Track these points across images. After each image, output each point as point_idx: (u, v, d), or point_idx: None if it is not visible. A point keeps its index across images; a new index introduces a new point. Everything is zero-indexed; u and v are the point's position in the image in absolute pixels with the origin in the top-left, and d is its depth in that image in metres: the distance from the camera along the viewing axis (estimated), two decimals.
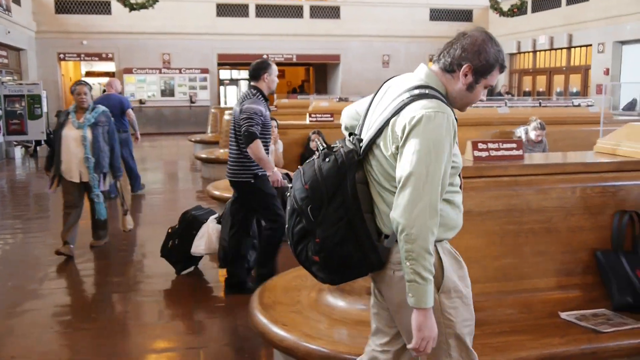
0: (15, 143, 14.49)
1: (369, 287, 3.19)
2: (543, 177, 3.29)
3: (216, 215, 5.26)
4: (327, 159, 2.08)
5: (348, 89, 21.10)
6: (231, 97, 29.46)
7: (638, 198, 3.41)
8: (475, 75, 2.05)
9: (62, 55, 20.49)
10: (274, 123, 6.79)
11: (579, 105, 8.51)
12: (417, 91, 2.02)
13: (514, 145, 3.44)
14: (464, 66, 2.03)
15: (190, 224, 5.14)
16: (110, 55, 20.89)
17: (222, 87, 29.99)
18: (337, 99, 12.77)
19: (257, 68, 4.58)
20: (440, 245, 2.08)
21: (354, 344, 2.84)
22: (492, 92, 21.50)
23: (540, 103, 8.16)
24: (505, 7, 18.27)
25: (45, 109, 17.14)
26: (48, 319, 4.30)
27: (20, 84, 14.77)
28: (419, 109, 1.95)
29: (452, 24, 22.80)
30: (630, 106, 15.27)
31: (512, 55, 22.00)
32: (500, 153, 3.41)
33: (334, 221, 2.03)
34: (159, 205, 8.96)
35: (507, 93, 19.31)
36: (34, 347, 3.80)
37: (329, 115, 7.51)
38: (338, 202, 2.03)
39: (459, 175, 2.18)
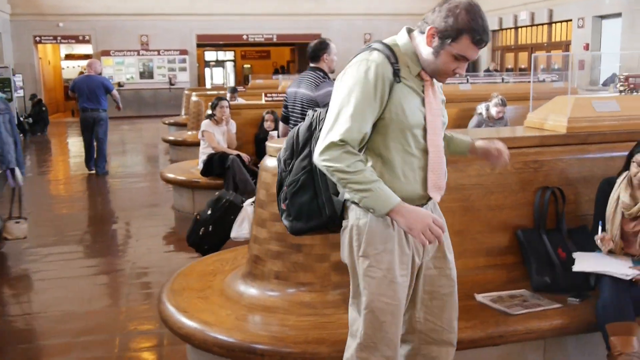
0: None
1: (278, 272, 3.10)
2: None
3: (252, 199, 5.07)
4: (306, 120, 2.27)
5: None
6: (217, 78, 29.21)
7: (561, 174, 3.29)
8: (441, 39, 2.00)
9: (38, 38, 20.15)
10: (224, 103, 6.64)
11: (543, 81, 8.36)
12: (365, 47, 2.11)
13: None
14: (429, 27, 2.02)
15: (227, 209, 4.89)
16: (87, 38, 20.56)
17: (207, 69, 29.75)
18: None
19: (316, 49, 4.47)
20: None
21: (252, 331, 2.73)
22: (474, 68, 21.35)
23: (503, 79, 8.02)
24: None
25: (21, 93, 17.00)
26: None
27: None
28: (352, 60, 2.07)
29: (435, 1, 22.51)
30: (610, 81, 15.10)
31: (494, 32, 21.73)
32: None
33: (298, 170, 2.19)
34: (120, 189, 8.82)
35: (496, 70, 19.11)
36: None
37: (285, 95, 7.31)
38: (305, 154, 2.19)
39: (422, 138, 2.09)
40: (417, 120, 2.07)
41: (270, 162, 3.16)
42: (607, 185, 3.07)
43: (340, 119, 2.00)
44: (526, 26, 19.77)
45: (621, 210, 2.97)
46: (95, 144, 9.41)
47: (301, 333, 2.65)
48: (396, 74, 2.02)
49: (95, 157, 9.48)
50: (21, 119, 15.02)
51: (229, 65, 30.55)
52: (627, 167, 2.99)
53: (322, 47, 4.47)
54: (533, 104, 7.28)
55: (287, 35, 22.06)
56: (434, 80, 2.13)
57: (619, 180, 3.02)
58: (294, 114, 4.57)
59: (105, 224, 6.70)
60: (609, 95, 4.56)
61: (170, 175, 6.85)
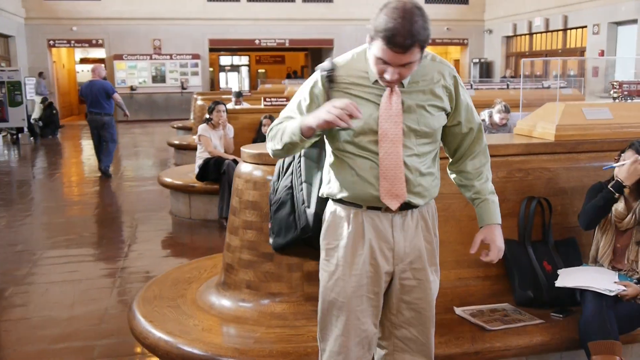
0: (3, 133, 14.40)
1: (249, 281, 3.00)
2: (441, 161, 3.02)
3: None
4: None
5: None
6: (232, 83, 29.27)
7: (548, 184, 3.16)
8: (370, 40, 1.93)
9: (52, 42, 20.31)
10: (221, 107, 6.57)
11: (548, 87, 8.20)
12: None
13: None
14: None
15: None
16: (100, 42, 20.68)
17: (222, 73, 29.82)
18: None
19: None
20: (330, 201, 2.14)
21: (216, 343, 2.63)
22: (488, 74, 21.15)
23: (507, 85, 7.85)
24: None
25: (34, 96, 17.12)
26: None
27: (2, 70, 14.63)
28: None
29: (449, 6, 22.39)
30: None
31: (508, 38, 21.56)
32: None
33: (281, 189, 2.34)
34: (122, 192, 8.79)
35: (512, 77, 18.89)
36: None
37: (285, 100, 7.26)
38: (288, 173, 2.34)
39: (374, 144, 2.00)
40: (366, 127, 1.99)
41: (244, 168, 3.07)
42: (599, 189, 2.92)
43: (279, 117, 2.18)
44: (540, 32, 19.56)
45: (614, 222, 2.84)
46: (104, 147, 9.65)
47: (266, 346, 2.55)
48: (331, 81, 2.03)
49: (103, 156, 9.67)
50: (32, 121, 15.09)
51: (244, 70, 30.65)
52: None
53: None
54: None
55: (300, 40, 22.01)
56: (408, 86, 2.00)
57: None
58: None
59: (101, 228, 6.65)
60: (601, 102, 4.41)
61: (167, 180, 6.79)
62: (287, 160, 2.36)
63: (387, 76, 1.90)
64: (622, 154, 2.83)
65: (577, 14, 17.30)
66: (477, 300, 2.99)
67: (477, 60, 22.29)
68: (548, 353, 2.79)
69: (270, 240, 2.39)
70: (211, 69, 24.14)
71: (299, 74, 27.88)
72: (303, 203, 2.26)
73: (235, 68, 30.69)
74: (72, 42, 20.61)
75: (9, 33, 18.22)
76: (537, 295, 2.93)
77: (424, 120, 2.02)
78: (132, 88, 20.61)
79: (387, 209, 2.05)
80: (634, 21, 15.16)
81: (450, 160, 2.32)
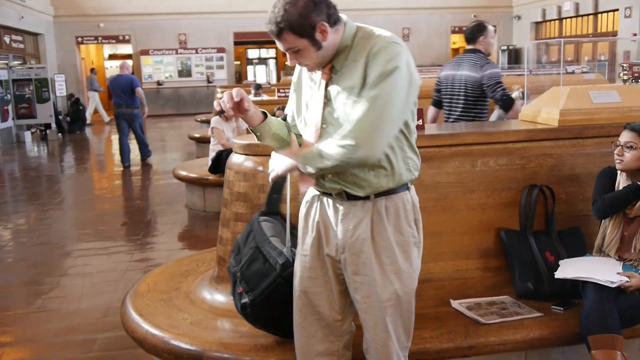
0: (32, 129, 14.66)
1: None
2: (437, 149, 2.94)
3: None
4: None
5: None
6: (260, 76, 29.28)
7: (551, 171, 3.04)
8: None
9: (80, 39, 20.58)
10: None
11: (572, 72, 7.94)
12: None
13: None
14: None
15: None
16: (127, 38, 20.88)
17: (250, 67, 29.85)
18: None
19: (474, 31, 4.60)
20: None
21: (202, 337, 2.57)
22: (517, 60, 20.71)
23: (530, 71, 7.64)
24: None
25: (63, 93, 17.42)
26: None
27: (30, 67, 14.88)
28: None
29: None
30: None
31: (537, 23, 21.07)
32: None
33: (246, 251, 2.36)
34: (142, 186, 8.85)
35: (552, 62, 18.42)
36: None
37: None
38: (250, 239, 2.40)
39: None
40: (303, 112, 2.09)
41: (235, 159, 3.02)
42: (610, 173, 2.78)
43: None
44: (570, 17, 19.07)
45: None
46: (135, 137, 10.29)
47: (251, 340, 2.49)
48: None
49: (139, 148, 10.44)
50: (59, 117, 15.33)
51: (272, 63, 30.63)
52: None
53: (479, 29, 4.56)
54: None
55: None
56: (345, 72, 1.93)
57: (619, 177, 2.75)
58: (452, 97, 4.62)
59: (117, 222, 6.68)
60: (610, 85, 4.24)
61: (182, 173, 6.79)
62: (244, 233, 2.46)
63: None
64: (619, 139, 2.69)
65: None
66: (475, 293, 2.89)
67: (506, 48, 21.85)
68: (548, 348, 2.67)
69: (246, 300, 2.28)
70: (238, 62, 24.14)
71: None
72: (275, 249, 2.29)
73: (263, 61, 30.70)
74: (100, 38, 20.84)
75: (38, 31, 18.50)
76: (538, 287, 2.81)
77: (342, 108, 1.92)
78: (158, 83, 20.78)
79: (339, 196, 2.01)
80: None
81: None
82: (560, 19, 19.64)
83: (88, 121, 17.92)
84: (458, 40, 24.68)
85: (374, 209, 1.99)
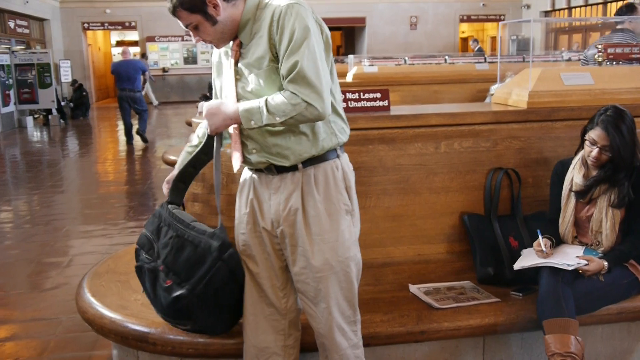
0: (35, 115, 14.70)
1: None
2: (399, 130, 2.87)
3: None
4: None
5: (374, 53, 20.38)
6: None
7: (518, 154, 2.96)
8: None
9: (86, 25, 20.57)
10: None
11: (569, 60, 7.81)
12: None
13: (379, 95, 3.02)
14: None
15: None
16: (133, 24, 20.85)
17: None
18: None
19: (622, 11, 4.92)
20: None
21: (151, 319, 2.51)
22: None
23: (524, 58, 7.52)
24: None
25: (69, 79, 17.47)
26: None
27: (34, 52, 14.89)
28: None
29: None
30: None
31: (547, 13, 20.79)
32: (361, 104, 3.00)
33: (165, 242, 2.18)
34: (141, 172, 8.83)
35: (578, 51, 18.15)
36: None
37: None
38: (164, 232, 2.20)
39: None
40: (218, 87, 2.14)
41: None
42: (561, 167, 2.72)
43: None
44: (580, 6, 18.78)
45: (574, 193, 2.62)
46: (138, 117, 11.01)
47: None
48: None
49: (139, 126, 11.02)
50: (62, 103, 15.35)
51: None
52: (581, 146, 2.64)
53: (629, 9, 4.84)
54: None
55: (332, 19, 21.64)
56: (248, 45, 1.94)
57: (574, 161, 2.67)
58: None
59: (105, 205, 6.66)
60: (584, 67, 4.13)
61: (171, 157, 6.73)
62: (150, 228, 2.27)
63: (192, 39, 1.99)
64: (589, 132, 2.58)
65: None
66: (436, 278, 2.81)
67: (515, 37, 21.59)
68: (506, 334, 2.60)
69: (181, 292, 2.11)
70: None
71: (335, 54, 27.55)
72: (203, 232, 2.12)
73: None
74: (106, 24, 20.83)
75: (44, 16, 18.51)
76: (498, 272, 2.74)
77: (255, 80, 1.92)
78: (164, 70, 20.75)
79: (268, 170, 2.00)
80: None
81: None
82: (570, 8, 19.35)
83: (155, 103, 18.79)
84: (467, 30, 24.46)
85: (304, 179, 1.97)
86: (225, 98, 2.01)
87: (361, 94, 2.98)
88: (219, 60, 2.11)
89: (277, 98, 1.83)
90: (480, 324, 2.48)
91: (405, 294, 2.70)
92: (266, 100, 1.84)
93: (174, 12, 1.89)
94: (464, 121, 2.92)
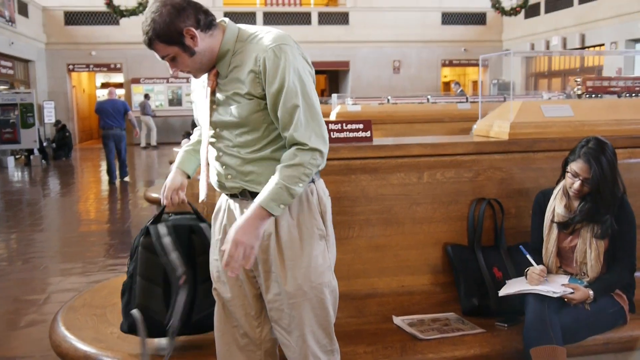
0: (17, 155, 14.58)
1: None
2: (382, 160, 2.86)
3: None
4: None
5: (357, 96, 20.62)
6: None
7: (501, 185, 2.95)
8: None
9: (71, 66, 20.64)
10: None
11: (549, 99, 7.95)
12: None
13: (361, 125, 3.02)
14: None
15: None
16: (118, 66, 20.95)
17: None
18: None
19: None
20: None
21: (125, 351, 2.45)
22: None
23: (505, 98, 7.63)
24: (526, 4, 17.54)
25: (52, 119, 17.43)
26: None
27: (17, 92, 14.87)
28: None
29: (466, 27, 22.21)
30: None
31: (527, 58, 21.26)
32: (344, 135, 3.00)
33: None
34: (123, 212, 8.73)
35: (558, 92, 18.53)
36: None
37: None
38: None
39: None
40: (197, 115, 2.12)
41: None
42: (543, 197, 2.72)
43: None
44: (558, 52, 19.23)
45: (556, 223, 2.62)
46: (117, 157, 11.04)
47: (173, 354, 2.37)
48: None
49: (119, 168, 11.14)
50: (44, 144, 15.26)
51: None
52: (563, 177, 2.64)
53: None
54: None
55: (316, 63, 21.81)
56: (227, 76, 1.93)
57: (555, 191, 2.67)
58: None
59: (85, 243, 6.55)
60: (563, 99, 4.19)
61: (153, 195, 6.67)
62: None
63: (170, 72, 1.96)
64: (571, 163, 2.59)
65: (594, 32, 16.97)
66: (421, 310, 2.77)
67: (496, 81, 22.00)
68: None
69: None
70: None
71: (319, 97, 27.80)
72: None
73: None
74: (91, 66, 20.90)
75: (30, 58, 18.56)
76: (483, 303, 2.70)
77: (231, 111, 1.93)
78: None
79: (242, 195, 1.98)
80: None
81: None
82: (549, 53, 19.81)
83: (142, 144, 19.14)
84: (449, 74, 24.89)
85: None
86: (202, 125, 2.04)
87: (344, 124, 2.98)
88: (196, 89, 2.12)
89: (287, 169, 1.83)
90: (466, 355, 2.43)
91: (389, 326, 2.65)
92: (279, 178, 1.82)
93: (150, 44, 1.86)
94: (446, 152, 2.93)
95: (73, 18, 20.31)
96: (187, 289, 2.21)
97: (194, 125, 5.15)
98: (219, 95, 1.95)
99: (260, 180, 1.92)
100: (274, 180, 1.83)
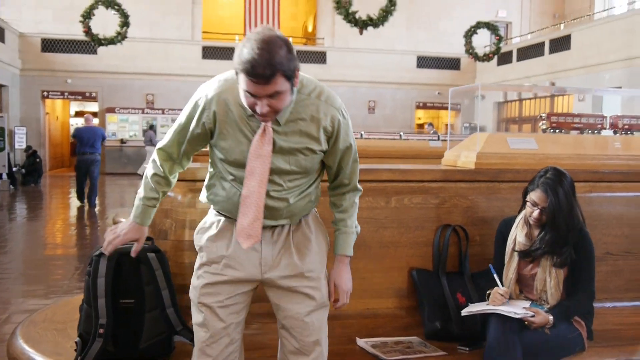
0: None
1: None
2: None
3: None
4: None
5: None
6: None
7: (466, 212, 3.02)
8: (237, 75, 1.85)
9: (45, 93, 20.51)
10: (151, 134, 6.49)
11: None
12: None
13: None
14: None
15: None
16: (94, 95, 20.87)
17: None
18: None
19: None
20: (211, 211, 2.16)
21: None
22: None
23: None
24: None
25: (23, 145, 17.23)
26: None
27: None
28: None
29: (441, 71, 22.70)
30: None
31: (500, 103, 21.78)
32: None
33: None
34: (90, 238, 8.61)
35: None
36: None
37: None
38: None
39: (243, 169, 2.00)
40: (236, 159, 2.00)
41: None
42: (505, 226, 2.79)
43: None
44: (530, 99, 19.76)
45: (516, 252, 2.68)
46: (88, 182, 11.29)
47: None
48: (225, 109, 1.97)
49: (89, 192, 11.34)
50: (14, 169, 15.05)
51: None
52: (524, 206, 2.72)
53: None
54: None
55: None
56: (284, 124, 1.96)
57: (516, 220, 2.75)
58: None
59: (51, 267, 6.44)
60: (528, 134, 4.31)
61: (122, 219, 6.62)
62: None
63: (258, 109, 1.85)
64: (530, 193, 2.67)
65: (564, 81, 17.50)
66: (385, 333, 2.79)
67: (468, 124, 22.44)
68: None
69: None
70: (147, 127, 23.71)
71: None
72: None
73: None
74: (66, 93, 20.79)
75: (3, 83, 18.41)
76: (445, 327, 2.73)
77: (295, 162, 2.01)
78: (122, 141, 20.65)
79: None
80: (619, 87, 15.31)
81: (328, 184, 2.25)
82: (520, 100, 20.35)
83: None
84: (423, 116, 25.31)
85: (297, 227, 2.13)
86: (253, 169, 1.96)
87: None
88: (230, 122, 1.99)
89: (353, 215, 2.24)
90: None
91: (353, 347, 2.66)
92: (351, 226, 2.23)
93: (272, 76, 1.77)
94: (414, 178, 2.99)
95: (50, 45, 20.27)
96: (103, 340, 2.31)
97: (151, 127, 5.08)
98: (282, 144, 1.96)
99: (296, 217, 2.10)
100: (348, 229, 2.21)
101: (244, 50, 1.78)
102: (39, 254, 7.30)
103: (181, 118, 2.08)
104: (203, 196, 2.17)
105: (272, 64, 1.76)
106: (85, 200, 11.35)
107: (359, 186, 2.23)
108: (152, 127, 19.60)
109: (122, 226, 2.16)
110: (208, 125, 2.00)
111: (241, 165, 1.99)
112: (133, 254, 2.22)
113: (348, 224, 2.20)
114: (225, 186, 2.06)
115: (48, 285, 5.51)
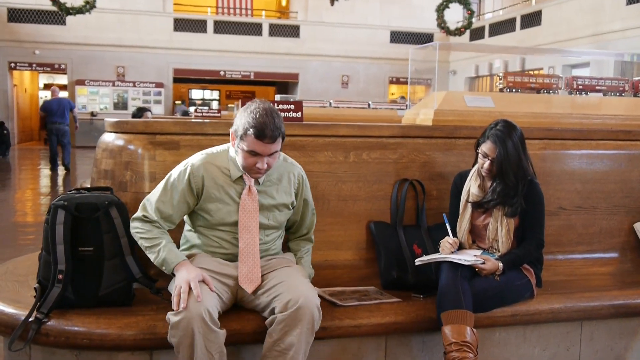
0: None
1: None
2: (310, 138, 2.96)
3: None
4: None
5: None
6: None
7: (423, 167, 3.09)
8: (237, 139, 2.32)
9: (13, 64, 20.10)
10: (148, 114, 6.48)
11: None
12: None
13: (292, 106, 3.12)
14: (231, 131, 2.37)
15: None
16: (63, 66, 20.51)
17: (192, 108, 29.73)
18: None
19: None
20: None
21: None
22: None
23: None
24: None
25: None
26: None
27: None
28: None
29: (413, 46, 22.72)
30: None
31: (472, 79, 21.94)
32: None
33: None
34: None
35: None
36: None
37: (216, 111, 7.23)
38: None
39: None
40: (222, 218, 2.40)
41: (106, 137, 2.97)
42: (459, 179, 2.87)
43: (150, 198, 2.44)
44: (499, 74, 19.94)
45: (470, 202, 2.77)
46: (61, 149, 12.30)
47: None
48: (212, 175, 2.39)
49: (63, 156, 12.31)
50: None
51: (214, 105, 30.67)
52: (477, 159, 2.80)
53: None
54: None
55: (265, 74, 22.11)
56: (265, 183, 2.45)
57: (471, 173, 2.83)
58: None
59: (19, 232, 6.41)
60: (486, 93, 4.40)
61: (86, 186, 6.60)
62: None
63: (259, 165, 2.30)
64: (481, 145, 2.74)
65: (534, 56, 17.71)
66: (342, 283, 2.86)
67: None
68: (408, 335, 2.66)
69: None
70: (180, 102, 23.77)
71: None
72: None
73: (206, 103, 30.75)
74: (34, 65, 20.40)
75: None
76: (401, 277, 2.82)
77: (273, 217, 2.48)
78: (92, 114, 20.38)
79: None
80: (587, 64, 15.54)
81: (289, 235, 2.72)
82: (491, 75, 20.49)
83: None
84: (396, 91, 25.38)
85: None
86: (246, 224, 2.39)
87: (276, 105, 3.07)
88: (217, 186, 2.40)
89: (306, 257, 2.66)
90: (381, 322, 2.54)
91: None
92: (305, 261, 2.66)
93: (276, 138, 2.27)
94: (372, 133, 3.05)
95: (17, 15, 19.81)
96: (62, 286, 2.35)
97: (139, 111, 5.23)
98: (262, 201, 2.42)
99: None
100: (305, 263, 2.63)
101: (251, 116, 2.25)
102: (6, 220, 7.24)
103: (169, 181, 2.41)
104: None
105: (278, 127, 2.27)
106: (60, 164, 12.07)
107: (312, 238, 2.69)
108: (183, 102, 20.11)
109: (179, 279, 2.24)
110: (196, 189, 2.37)
111: (226, 224, 2.39)
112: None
113: (304, 260, 2.64)
114: (210, 240, 2.46)
115: (14, 249, 5.49)
